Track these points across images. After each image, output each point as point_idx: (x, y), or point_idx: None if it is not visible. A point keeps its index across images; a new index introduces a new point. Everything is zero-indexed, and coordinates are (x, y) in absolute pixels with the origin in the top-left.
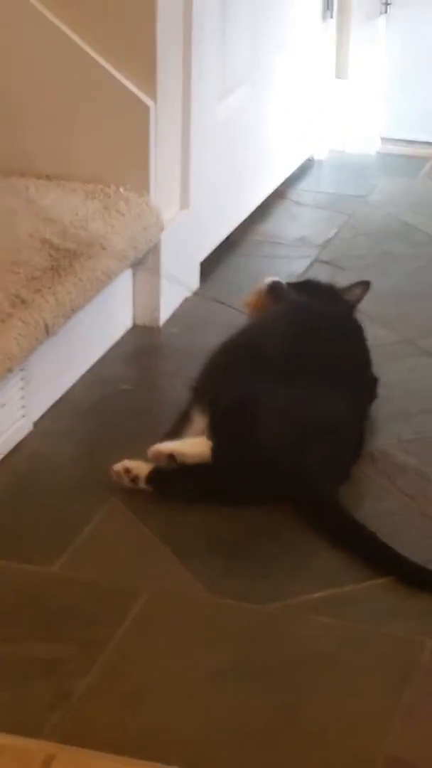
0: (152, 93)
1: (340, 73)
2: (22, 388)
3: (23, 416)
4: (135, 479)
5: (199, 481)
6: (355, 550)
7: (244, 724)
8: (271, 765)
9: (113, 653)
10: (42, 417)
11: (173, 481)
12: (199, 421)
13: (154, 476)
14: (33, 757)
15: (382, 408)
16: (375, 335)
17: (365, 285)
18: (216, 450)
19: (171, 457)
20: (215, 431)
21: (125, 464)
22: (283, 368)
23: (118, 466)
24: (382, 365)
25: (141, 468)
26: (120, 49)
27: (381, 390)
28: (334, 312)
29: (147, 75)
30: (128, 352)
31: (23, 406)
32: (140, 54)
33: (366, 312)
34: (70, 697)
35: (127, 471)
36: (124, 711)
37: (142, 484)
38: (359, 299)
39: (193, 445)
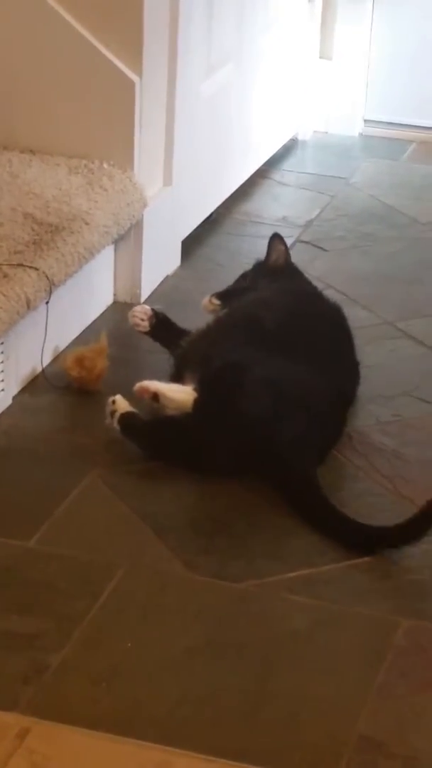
0: (138, 69)
1: (325, 53)
2: (1, 362)
3: (1, 390)
4: (113, 413)
5: (166, 439)
6: (322, 525)
7: (218, 700)
8: (244, 742)
9: (89, 628)
10: (21, 391)
11: (142, 431)
12: (189, 379)
13: (125, 419)
14: (7, 731)
15: (361, 390)
16: (355, 317)
17: (277, 238)
18: (198, 404)
19: (155, 396)
20: (202, 386)
21: (116, 397)
22: (278, 342)
23: (113, 397)
24: (362, 347)
25: (122, 406)
26: (106, 24)
27: (361, 372)
28: (323, 296)
29: (133, 50)
30: (108, 329)
31: (2, 380)
32: (127, 29)
33: (346, 294)
34: (46, 672)
35: (113, 402)
36: (99, 686)
37: (114, 423)
38: (286, 254)
39: (179, 392)
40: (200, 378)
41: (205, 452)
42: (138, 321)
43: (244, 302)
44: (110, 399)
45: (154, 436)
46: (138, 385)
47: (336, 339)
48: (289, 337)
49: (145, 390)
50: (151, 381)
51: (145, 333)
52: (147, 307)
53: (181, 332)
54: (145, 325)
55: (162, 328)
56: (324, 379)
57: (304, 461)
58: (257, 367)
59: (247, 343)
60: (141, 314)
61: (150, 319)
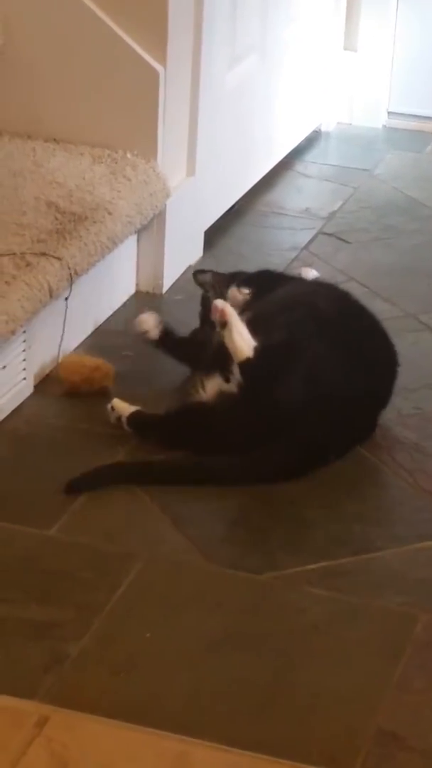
0: (162, 58)
1: (350, 45)
2: (24, 351)
3: (23, 379)
4: (119, 419)
5: (182, 425)
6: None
7: (236, 691)
8: (262, 733)
9: (108, 618)
10: (42, 380)
11: (155, 425)
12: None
13: (135, 419)
14: (27, 719)
15: None
16: (377, 310)
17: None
18: (249, 365)
19: (223, 323)
20: (262, 352)
21: (113, 402)
22: (334, 333)
23: (110, 404)
24: None
25: (123, 409)
26: (131, 14)
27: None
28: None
29: (158, 40)
30: (130, 319)
31: (24, 369)
32: (151, 19)
33: (368, 286)
34: (65, 661)
35: (112, 408)
36: (118, 676)
37: (126, 426)
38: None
39: (243, 340)
40: (263, 342)
41: (223, 428)
42: (147, 328)
43: (294, 290)
44: (108, 406)
45: (168, 426)
46: (220, 304)
47: (377, 339)
48: (341, 331)
49: (222, 314)
50: (232, 311)
51: (154, 341)
52: (155, 314)
53: (188, 341)
54: (156, 333)
55: (170, 336)
56: (362, 377)
57: (304, 466)
58: (309, 355)
59: (313, 324)
60: (150, 321)
61: (159, 326)
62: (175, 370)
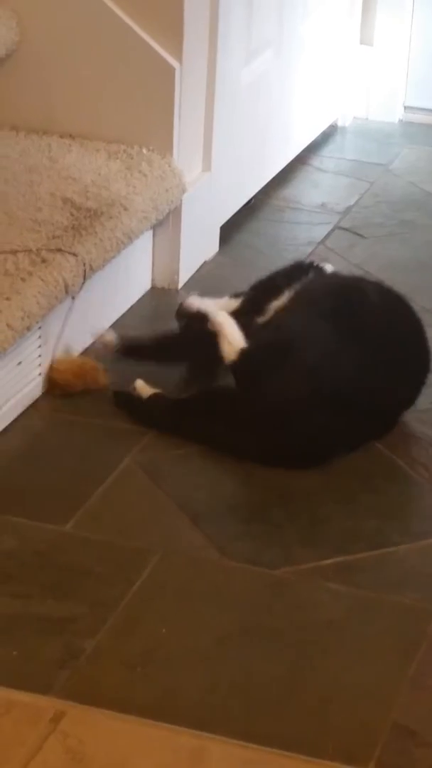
0: (178, 54)
1: (366, 39)
2: (39, 347)
3: (39, 374)
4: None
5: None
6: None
7: (251, 687)
8: (277, 728)
9: (124, 613)
10: None
11: (138, 406)
12: None
13: (151, 400)
14: (42, 714)
15: None
16: None
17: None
18: (243, 357)
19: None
20: (254, 348)
21: (136, 383)
22: (358, 329)
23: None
24: None
25: (144, 390)
26: (147, 9)
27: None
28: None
29: (173, 36)
30: (146, 315)
31: (39, 365)
32: (167, 15)
33: (385, 281)
34: (80, 656)
35: (134, 389)
36: (133, 671)
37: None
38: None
39: (233, 343)
40: (257, 338)
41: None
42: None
43: (337, 280)
44: (131, 387)
45: (181, 410)
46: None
47: (410, 341)
48: (371, 327)
49: (211, 324)
50: (220, 313)
51: (118, 352)
52: (112, 334)
53: (159, 342)
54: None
55: (133, 348)
56: (380, 377)
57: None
58: (313, 349)
59: (328, 318)
60: (107, 337)
61: (116, 346)
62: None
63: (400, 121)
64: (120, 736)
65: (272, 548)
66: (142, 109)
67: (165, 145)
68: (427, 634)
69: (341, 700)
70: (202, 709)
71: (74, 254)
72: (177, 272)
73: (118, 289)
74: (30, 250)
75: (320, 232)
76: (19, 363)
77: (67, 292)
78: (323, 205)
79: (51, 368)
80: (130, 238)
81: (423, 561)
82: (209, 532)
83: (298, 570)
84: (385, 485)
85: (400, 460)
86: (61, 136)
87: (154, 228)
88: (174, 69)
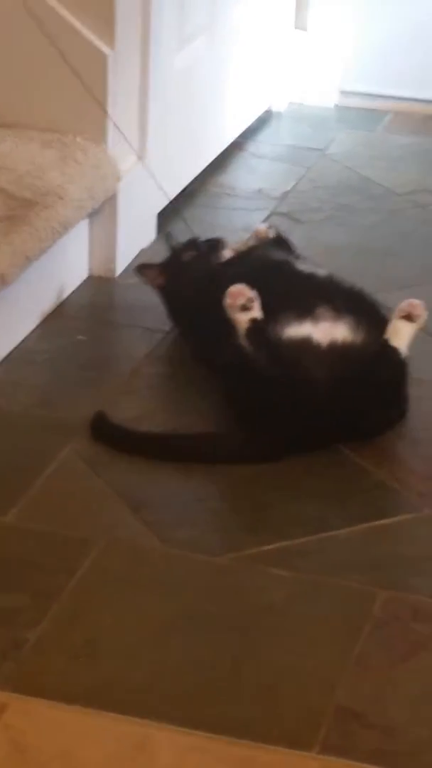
0: (110, 41)
1: (300, 24)
2: None
3: None
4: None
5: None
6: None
7: (196, 673)
8: (222, 715)
9: (66, 603)
10: None
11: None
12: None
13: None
14: None
15: None
16: None
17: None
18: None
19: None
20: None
21: None
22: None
23: None
24: None
25: None
26: None
27: None
28: None
29: (105, 22)
30: (84, 303)
31: None
32: (98, 1)
33: (322, 266)
34: (23, 647)
35: None
36: (77, 661)
37: None
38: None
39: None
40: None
41: None
42: None
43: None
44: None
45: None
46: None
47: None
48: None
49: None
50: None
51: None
52: None
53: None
54: None
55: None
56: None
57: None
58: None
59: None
60: None
61: None
62: (128, 353)
63: (336, 105)
64: (64, 726)
65: (214, 535)
66: (75, 97)
67: (99, 133)
68: (371, 616)
69: (286, 685)
70: (147, 697)
71: (10, 244)
72: (114, 260)
73: (54, 279)
74: None
75: (257, 218)
76: None
77: (3, 282)
78: (260, 190)
79: None
80: (65, 227)
81: (365, 544)
82: (150, 520)
83: (239, 556)
84: (328, 470)
85: (342, 445)
86: None
87: (90, 217)
88: (106, 56)
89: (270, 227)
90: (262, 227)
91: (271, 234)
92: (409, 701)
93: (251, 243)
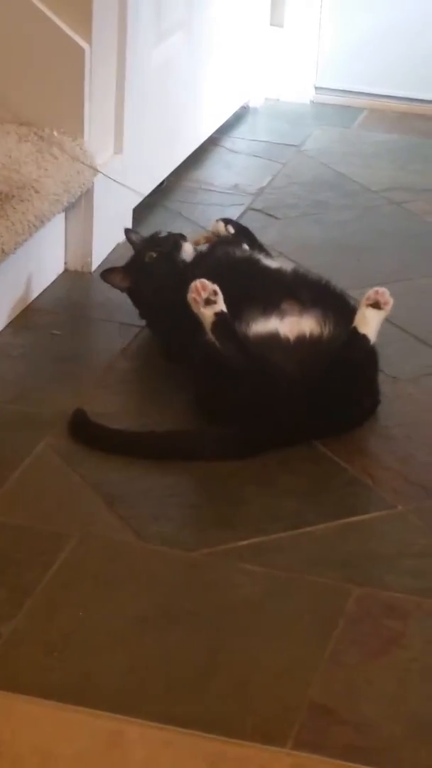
0: (87, 36)
1: (276, 20)
2: None
3: None
4: None
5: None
6: None
7: (169, 668)
8: (196, 709)
9: (41, 598)
10: None
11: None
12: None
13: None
14: None
15: None
16: None
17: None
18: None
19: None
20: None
21: None
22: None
23: None
24: None
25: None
26: None
27: None
28: None
29: (82, 17)
30: (59, 298)
31: None
32: None
33: (298, 262)
34: None
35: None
36: (51, 655)
37: None
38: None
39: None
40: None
41: None
42: None
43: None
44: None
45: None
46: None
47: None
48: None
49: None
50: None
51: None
52: None
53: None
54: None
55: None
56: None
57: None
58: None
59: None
60: None
61: None
62: (103, 348)
63: (312, 102)
64: (37, 722)
65: (189, 530)
66: (52, 91)
67: (76, 128)
68: (344, 612)
69: (259, 680)
70: (121, 692)
71: None
72: (90, 255)
73: (30, 273)
74: None
75: (233, 213)
76: None
77: None
78: (236, 186)
79: None
80: (41, 221)
81: (339, 540)
82: (125, 515)
83: (214, 551)
84: (304, 466)
85: (318, 442)
86: None
87: (67, 211)
88: (83, 50)
89: (227, 224)
90: (221, 225)
91: (231, 230)
92: (382, 697)
93: (211, 237)
